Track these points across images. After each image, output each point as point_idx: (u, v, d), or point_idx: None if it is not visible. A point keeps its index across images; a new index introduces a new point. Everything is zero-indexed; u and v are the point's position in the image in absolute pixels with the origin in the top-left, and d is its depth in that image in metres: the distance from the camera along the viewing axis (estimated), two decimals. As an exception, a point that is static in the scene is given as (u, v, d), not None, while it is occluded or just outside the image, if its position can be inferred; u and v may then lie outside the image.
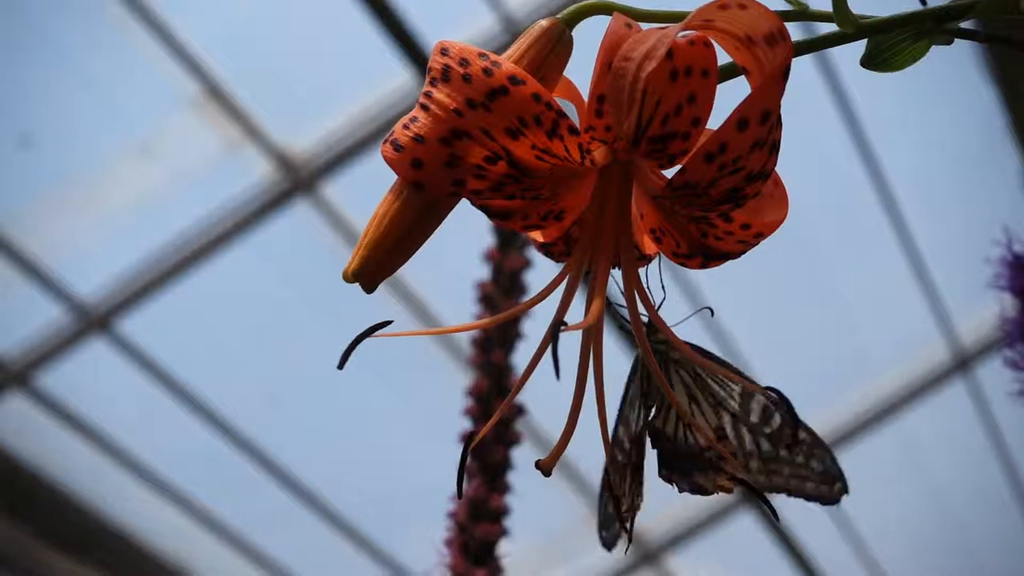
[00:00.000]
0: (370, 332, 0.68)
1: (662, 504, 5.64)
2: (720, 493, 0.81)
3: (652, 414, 0.82)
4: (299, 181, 4.20)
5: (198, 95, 4.01)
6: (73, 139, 4.08)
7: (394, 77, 4.04)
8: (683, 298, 4.70)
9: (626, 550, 0.84)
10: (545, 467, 0.68)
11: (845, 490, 0.86)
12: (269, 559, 5.36)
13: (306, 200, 4.26)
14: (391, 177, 0.67)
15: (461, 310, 3.15)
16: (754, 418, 0.84)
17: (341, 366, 0.67)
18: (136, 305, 4.40)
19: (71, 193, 4.20)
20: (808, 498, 0.86)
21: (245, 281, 4.49)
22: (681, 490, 0.83)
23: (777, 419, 0.84)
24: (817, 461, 0.85)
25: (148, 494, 5.01)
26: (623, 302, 0.73)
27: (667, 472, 0.83)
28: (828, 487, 0.86)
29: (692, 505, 5.65)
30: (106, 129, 4.08)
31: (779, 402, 0.69)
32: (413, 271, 4.47)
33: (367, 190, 4.10)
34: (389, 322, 0.68)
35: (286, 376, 4.86)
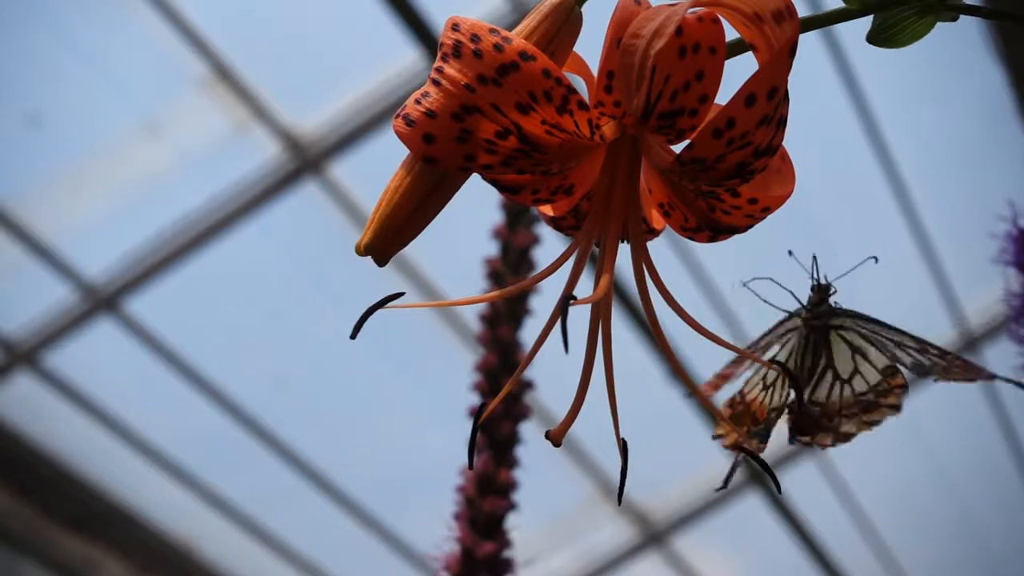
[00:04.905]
0: (384, 303, 0.68)
1: (669, 485, 5.65)
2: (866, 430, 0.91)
3: (805, 394, 0.89)
4: (307, 161, 4.20)
5: (205, 75, 4.01)
6: (80, 119, 4.08)
7: (402, 57, 4.04)
8: (690, 278, 4.70)
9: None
10: (555, 437, 0.69)
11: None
12: (276, 538, 5.38)
13: (314, 180, 4.26)
14: (399, 157, 0.68)
15: (469, 288, 3.16)
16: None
17: (354, 336, 0.68)
18: (143, 285, 4.41)
19: (78, 173, 4.21)
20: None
21: (252, 261, 4.50)
22: (825, 446, 0.91)
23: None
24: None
25: (155, 473, 5.03)
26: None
27: (808, 438, 0.91)
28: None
29: (700, 486, 5.66)
30: (113, 109, 4.08)
31: (784, 376, 0.71)
32: (421, 249, 4.47)
33: (375, 170, 4.10)
34: (401, 293, 0.68)
35: (293, 356, 4.87)
